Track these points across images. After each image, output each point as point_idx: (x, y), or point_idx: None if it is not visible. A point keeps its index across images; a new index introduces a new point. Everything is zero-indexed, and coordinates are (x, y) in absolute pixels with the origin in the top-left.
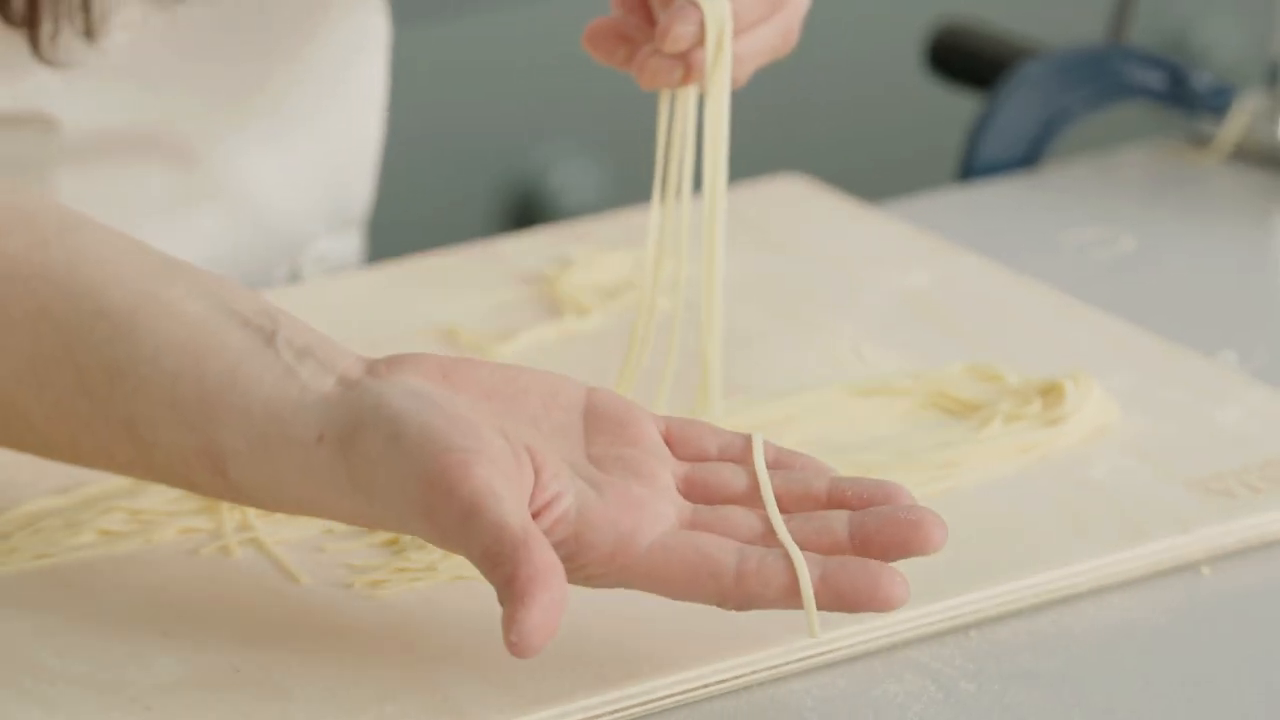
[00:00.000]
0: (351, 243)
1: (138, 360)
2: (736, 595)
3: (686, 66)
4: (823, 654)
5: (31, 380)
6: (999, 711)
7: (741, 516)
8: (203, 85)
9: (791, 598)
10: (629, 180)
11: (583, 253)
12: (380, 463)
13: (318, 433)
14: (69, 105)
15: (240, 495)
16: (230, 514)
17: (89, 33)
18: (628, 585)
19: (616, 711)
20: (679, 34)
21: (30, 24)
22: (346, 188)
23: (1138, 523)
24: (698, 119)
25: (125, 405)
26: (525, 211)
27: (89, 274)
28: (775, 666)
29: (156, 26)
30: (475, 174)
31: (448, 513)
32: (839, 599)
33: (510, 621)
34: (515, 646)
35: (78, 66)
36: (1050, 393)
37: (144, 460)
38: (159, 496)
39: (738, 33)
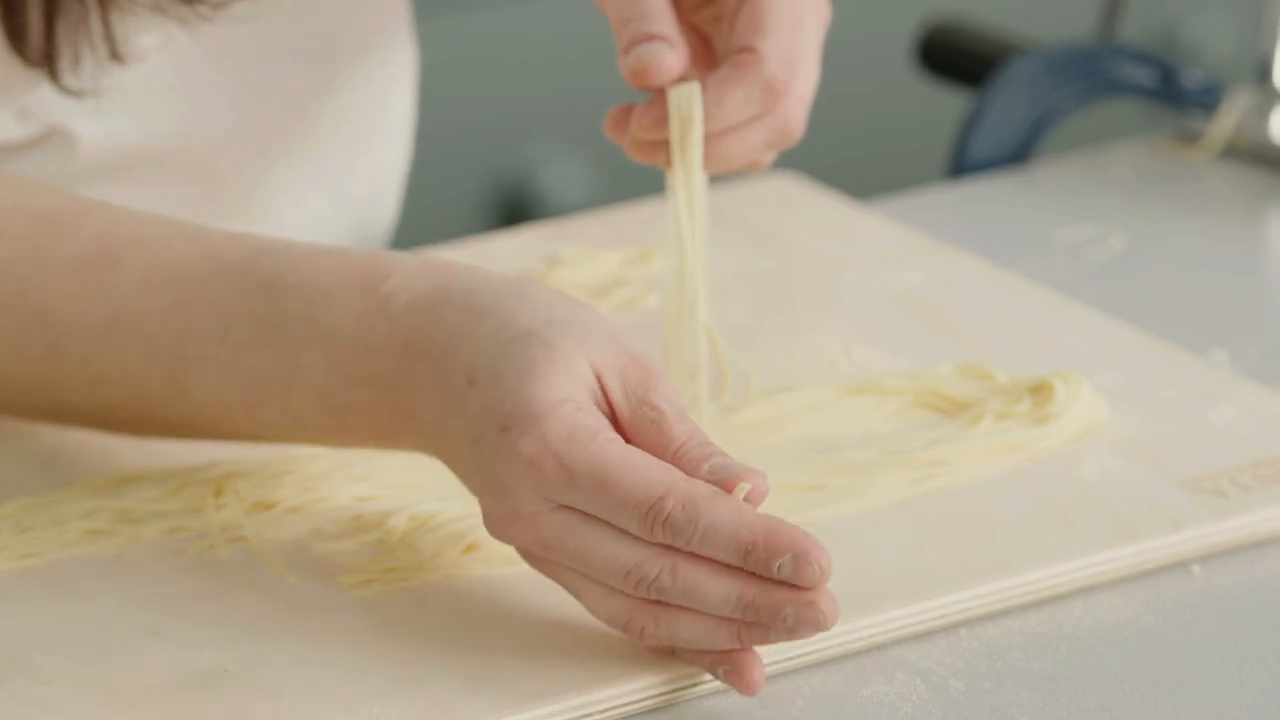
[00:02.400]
0: None
1: (289, 242)
2: (683, 492)
3: (667, 152)
4: (813, 653)
5: (159, 281)
6: (989, 710)
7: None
8: (227, 107)
9: (731, 519)
10: (618, 179)
11: (572, 251)
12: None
13: (509, 274)
14: (90, 123)
15: (370, 318)
16: (218, 513)
17: (115, 57)
18: (575, 479)
19: (605, 710)
20: (640, 124)
21: (49, 59)
22: (372, 211)
23: (1128, 521)
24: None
25: (270, 266)
26: (515, 210)
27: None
28: (766, 665)
29: (182, 48)
30: (465, 172)
31: None
32: (772, 536)
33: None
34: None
35: (101, 95)
36: (1040, 391)
37: (269, 319)
38: (146, 495)
39: (724, 133)
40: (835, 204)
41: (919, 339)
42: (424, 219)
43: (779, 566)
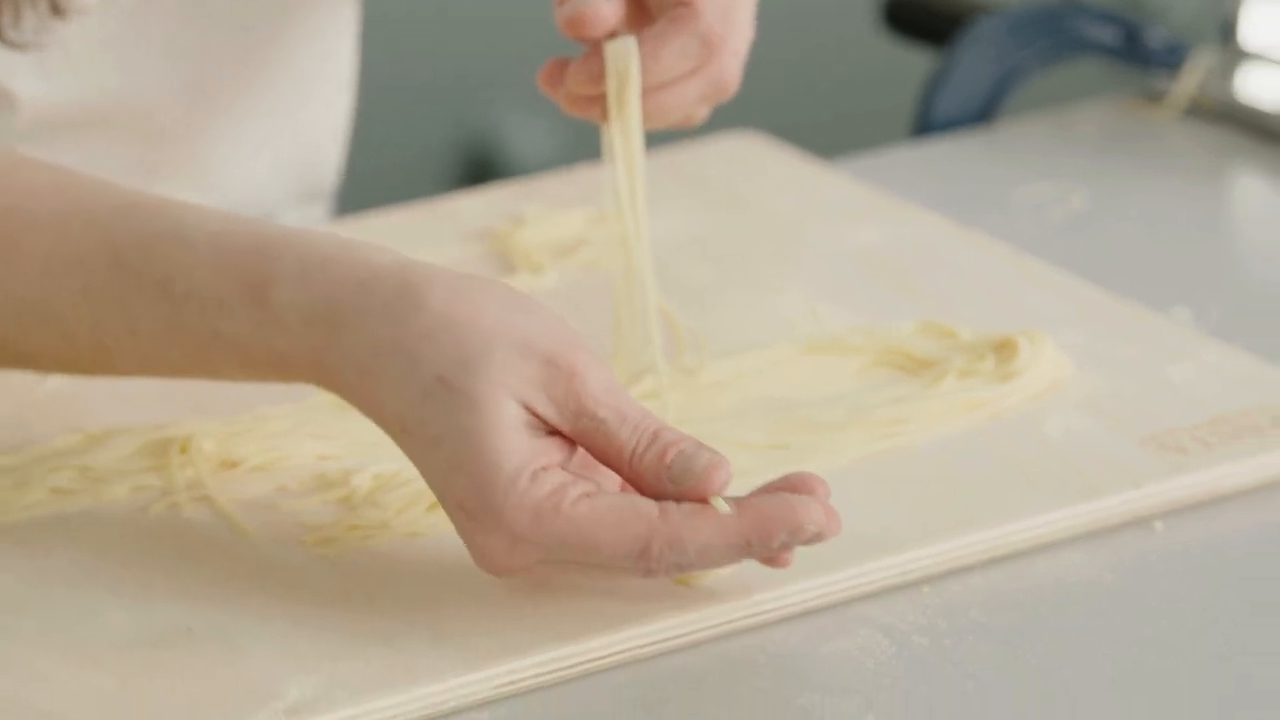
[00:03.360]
0: (318, 213)
1: (183, 222)
2: (664, 534)
3: (603, 106)
4: (775, 609)
5: (61, 270)
6: (951, 666)
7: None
8: (170, 63)
9: (718, 534)
10: (582, 138)
11: (536, 210)
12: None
13: (401, 262)
14: (31, 82)
15: (267, 329)
16: (182, 472)
17: (56, 12)
18: (553, 548)
19: (569, 667)
20: (576, 79)
21: None
22: (315, 164)
23: (1090, 478)
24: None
25: (162, 266)
26: (478, 169)
27: (114, 186)
28: (728, 622)
29: (123, 3)
30: (428, 131)
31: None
32: (761, 525)
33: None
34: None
35: (44, 49)
36: (1003, 349)
37: (172, 320)
38: (109, 454)
39: (661, 86)
40: (798, 162)
41: (882, 298)
42: (387, 178)
43: (779, 544)
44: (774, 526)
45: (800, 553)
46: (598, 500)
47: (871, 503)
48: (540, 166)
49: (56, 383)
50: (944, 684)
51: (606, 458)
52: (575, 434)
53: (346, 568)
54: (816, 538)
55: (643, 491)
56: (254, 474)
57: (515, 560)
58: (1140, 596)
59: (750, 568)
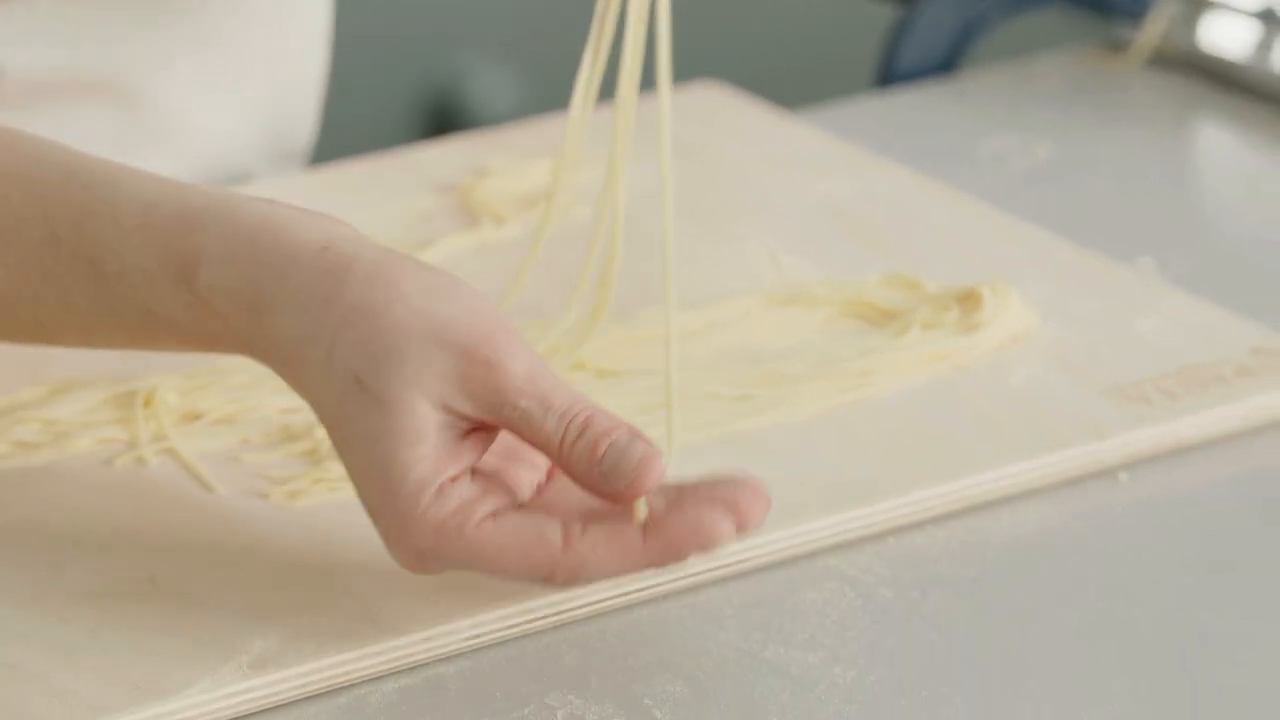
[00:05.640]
0: (294, 172)
1: (117, 195)
2: (566, 565)
3: None
4: (741, 562)
5: None
6: (916, 618)
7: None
8: (140, 26)
9: (623, 562)
10: (546, 89)
11: (499, 162)
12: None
13: (324, 241)
14: (3, 51)
15: (197, 311)
16: (146, 424)
17: None
18: (457, 564)
19: (533, 621)
20: None
21: None
22: (290, 122)
23: (1055, 429)
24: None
25: (93, 243)
26: (442, 119)
27: (58, 149)
28: (693, 574)
29: None
30: (391, 81)
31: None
32: (669, 549)
33: None
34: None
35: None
36: (968, 300)
37: (103, 298)
38: (73, 406)
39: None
40: (761, 113)
41: (846, 249)
42: (350, 129)
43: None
44: (684, 547)
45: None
46: (503, 522)
47: (837, 454)
48: (505, 117)
49: None
50: (910, 635)
51: (535, 444)
52: (500, 424)
53: (311, 520)
54: (735, 539)
55: (572, 477)
56: (217, 427)
57: (424, 568)
58: (1105, 547)
59: None
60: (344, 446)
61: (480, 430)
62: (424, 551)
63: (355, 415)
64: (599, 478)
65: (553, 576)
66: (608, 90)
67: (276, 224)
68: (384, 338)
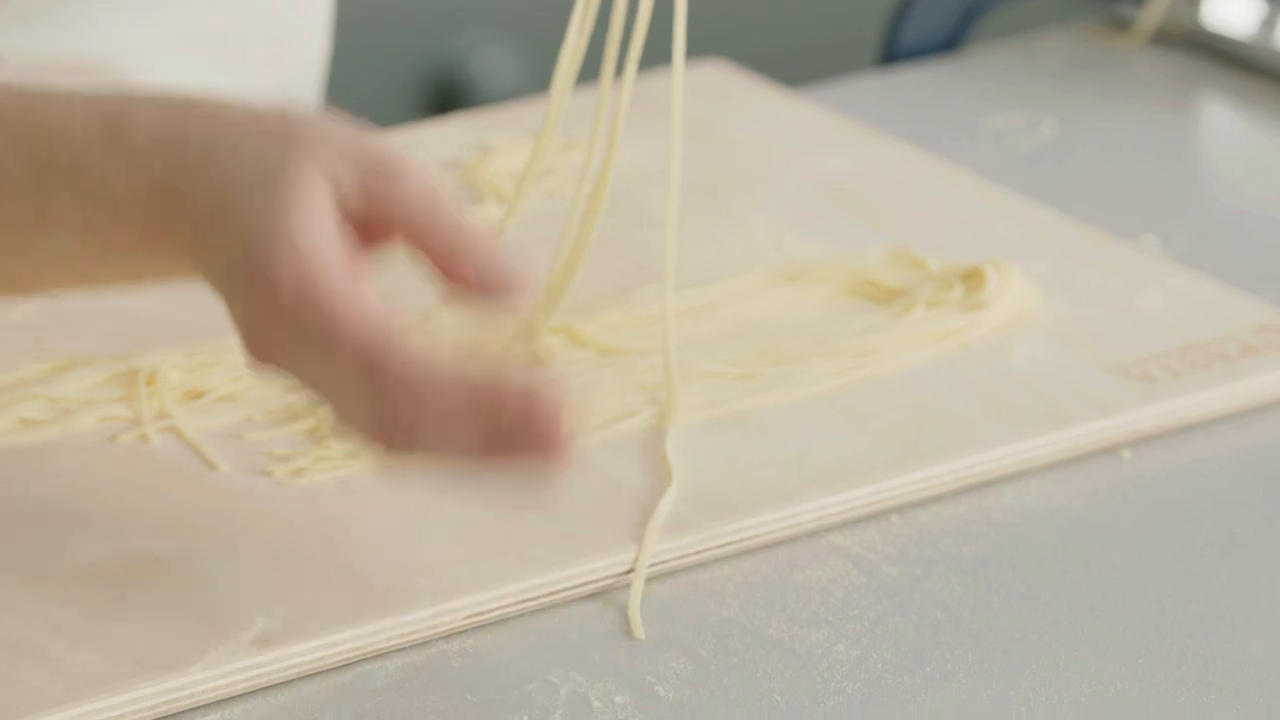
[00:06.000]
0: None
1: (46, 89)
2: (404, 358)
3: None
4: (745, 539)
5: None
6: (920, 595)
7: None
8: (139, 8)
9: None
10: (549, 67)
11: (503, 140)
12: None
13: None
14: (1, 39)
15: (126, 162)
16: (149, 402)
17: None
18: (303, 326)
19: (537, 598)
20: None
21: None
22: (292, 102)
23: (1058, 407)
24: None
25: (21, 108)
26: (445, 97)
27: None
28: (698, 552)
29: None
30: (394, 59)
31: None
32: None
33: None
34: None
35: None
36: (971, 278)
37: (32, 157)
38: (76, 384)
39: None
40: (765, 91)
41: (849, 227)
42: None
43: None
44: (506, 405)
45: (769, 484)
46: (366, 291)
47: (840, 433)
48: (508, 95)
49: (22, 312)
50: (913, 613)
51: (413, 228)
52: (383, 218)
53: (315, 498)
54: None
55: (437, 258)
56: (220, 404)
57: (269, 328)
58: (1108, 525)
59: (721, 492)
60: (235, 214)
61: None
62: (278, 302)
63: (260, 194)
64: (470, 259)
65: (384, 372)
66: (594, 70)
67: (205, 102)
68: (302, 129)
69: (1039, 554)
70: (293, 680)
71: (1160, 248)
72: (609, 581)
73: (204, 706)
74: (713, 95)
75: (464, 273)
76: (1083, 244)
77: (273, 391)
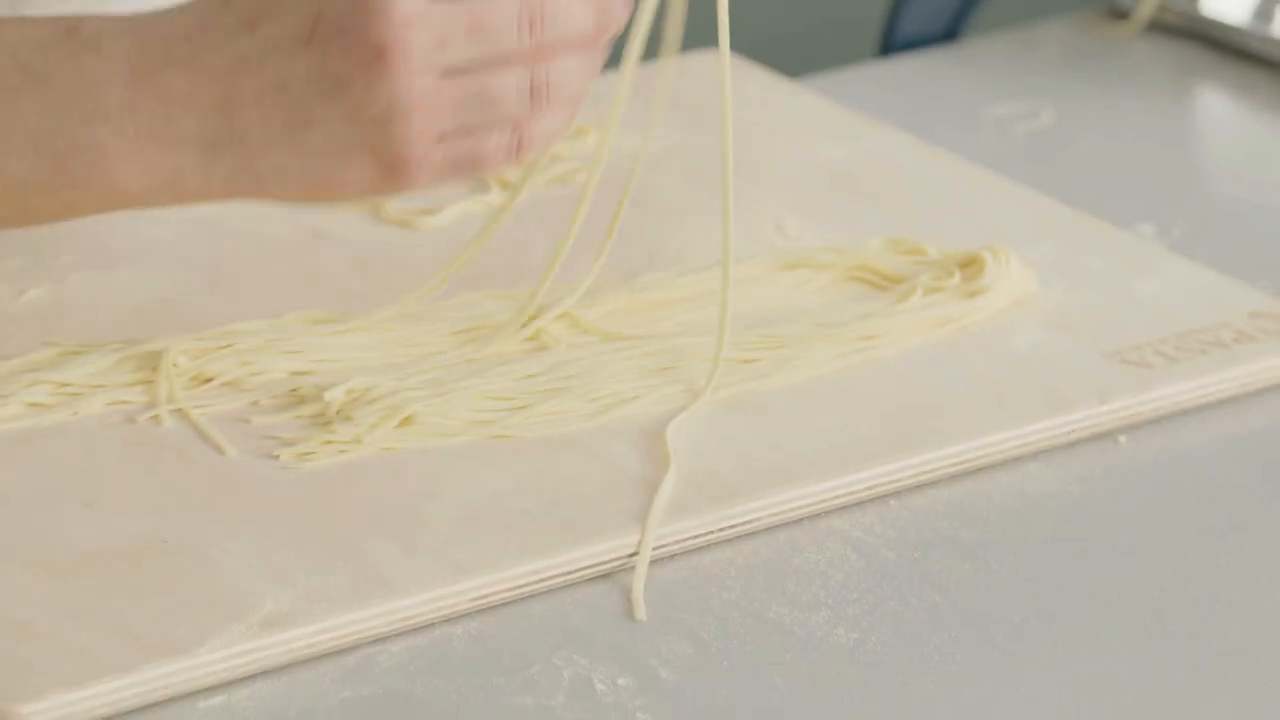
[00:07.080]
0: None
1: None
2: None
3: None
4: (745, 523)
5: None
6: (919, 579)
7: None
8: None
9: None
10: None
11: None
12: None
13: None
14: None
15: (81, 59)
16: (156, 386)
17: None
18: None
19: (541, 580)
20: None
21: None
22: None
23: (1056, 393)
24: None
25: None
26: None
27: None
28: (697, 536)
29: None
30: None
31: None
32: None
33: None
34: None
35: None
36: (970, 265)
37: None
38: (84, 369)
39: None
40: (765, 79)
41: (849, 214)
42: None
43: None
44: None
45: (770, 468)
46: None
47: (840, 417)
48: None
49: (32, 296)
50: (912, 597)
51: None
52: None
53: (321, 482)
54: None
55: None
56: (227, 389)
57: (405, 86)
58: (1105, 509)
59: (722, 476)
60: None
61: None
62: (397, 43)
63: None
64: None
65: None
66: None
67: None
68: None
69: (1037, 538)
70: (298, 662)
71: (1156, 236)
72: (611, 565)
73: (209, 688)
74: (713, 83)
75: None
76: (1080, 231)
77: (279, 377)
